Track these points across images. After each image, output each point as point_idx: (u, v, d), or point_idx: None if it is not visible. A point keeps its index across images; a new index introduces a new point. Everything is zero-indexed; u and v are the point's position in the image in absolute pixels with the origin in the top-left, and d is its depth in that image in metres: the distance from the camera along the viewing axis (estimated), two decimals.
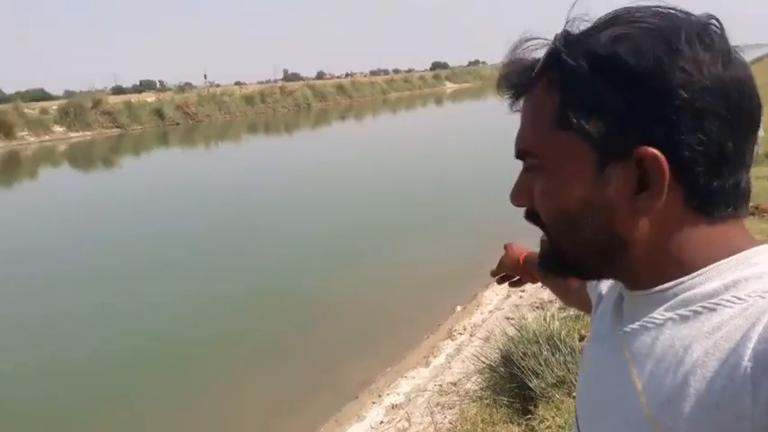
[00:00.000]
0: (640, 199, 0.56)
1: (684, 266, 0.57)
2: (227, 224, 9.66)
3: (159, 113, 28.28)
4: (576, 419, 0.69)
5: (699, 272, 0.56)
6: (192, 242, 8.73)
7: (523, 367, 3.13)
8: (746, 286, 0.54)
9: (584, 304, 0.88)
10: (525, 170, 0.63)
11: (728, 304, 0.53)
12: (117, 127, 26.07)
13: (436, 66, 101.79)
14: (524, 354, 3.18)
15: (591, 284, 0.82)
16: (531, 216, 0.64)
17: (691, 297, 0.56)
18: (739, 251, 0.56)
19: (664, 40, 0.54)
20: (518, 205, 0.64)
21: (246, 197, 11.78)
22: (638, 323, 0.59)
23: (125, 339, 5.49)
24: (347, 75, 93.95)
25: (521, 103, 0.64)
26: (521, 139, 0.63)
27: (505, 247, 1.20)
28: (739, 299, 0.53)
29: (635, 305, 0.61)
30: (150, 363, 5.03)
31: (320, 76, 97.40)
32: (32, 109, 25.44)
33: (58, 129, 24.41)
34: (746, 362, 0.49)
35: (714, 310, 0.54)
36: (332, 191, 11.78)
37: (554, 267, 0.65)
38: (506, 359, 3.37)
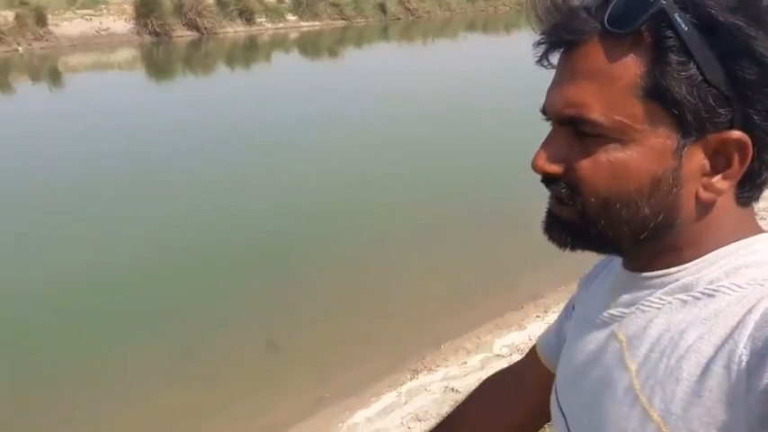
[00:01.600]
0: (712, 181, 0.54)
1: (699, 251, 0.56)
2: (434, 124, 9.83)
3: (382, 8, 28.78)
4: (557, 397, 0.68)
5: (701, 258, 0.56)
6: (396, 137, 9.07)
7: None
8: (746, 273, 0.53)
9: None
10: (568, 134, 0.56)
11: (727, 291, 0.53)
12: (343, 19, 27.15)
13: None
14: None
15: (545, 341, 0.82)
16: (559, 186, 0.57)
17: (690, 282, 0.55)
18: (744, 236, 0.56)
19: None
20: (547, 172, 0.57)
21: (455, 96, 11.79)
22: (633, 307, 0.59)
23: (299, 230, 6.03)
24: None
25: (557, 55, 0.56)
26: (576, 103, 0.54)
27: None
28: (738, 286, 0.52)
29: (632, 286, 0.60)
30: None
31: None
32: None
33: (291, 17, 26.17)
34: (742, 348, 0.49)
35: (712, 296, 0.53)
36: None
37: (579, 242, 0.60)
38: None
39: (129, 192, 6.87)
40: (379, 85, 13.36)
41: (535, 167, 0.57)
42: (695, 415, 0.50)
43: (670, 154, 0.53)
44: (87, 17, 21.08)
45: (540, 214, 0.62)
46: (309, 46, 22.28)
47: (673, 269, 0.57)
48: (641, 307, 0.58)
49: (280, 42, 23.05)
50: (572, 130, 0.55)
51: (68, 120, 10.67)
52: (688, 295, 0.55)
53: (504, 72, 13.53)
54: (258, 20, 24.76)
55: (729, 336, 0.50)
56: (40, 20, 19.49)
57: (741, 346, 0.49)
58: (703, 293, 0.54)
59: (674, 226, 0.56)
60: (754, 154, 0.53)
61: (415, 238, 5.54)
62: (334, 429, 3.26)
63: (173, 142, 9.05)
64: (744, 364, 0.48)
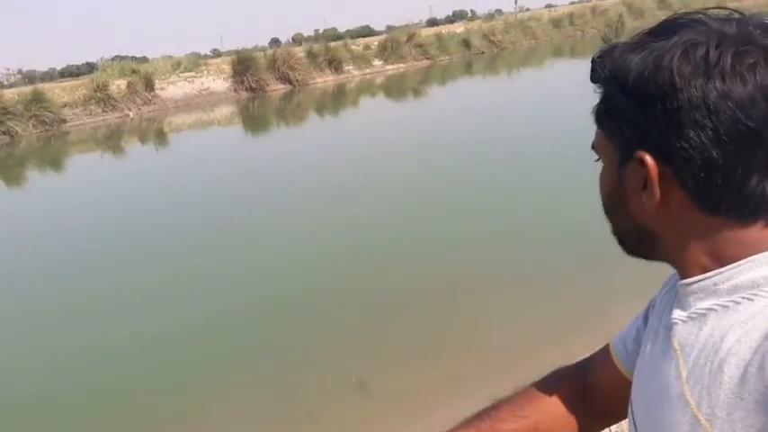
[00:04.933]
0: (643, 196, 0.62)
1: (717, 259, 0.60)
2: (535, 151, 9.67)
3: (466, 43, 29.09)
4: (632, 411, 0.71)
5: (736, 264, 0.58)
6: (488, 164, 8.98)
7: None
8: None
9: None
10: None
11: (765, 294, 0.55)
12: (427, 58, 27.66)
13: None
14: None
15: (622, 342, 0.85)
16: None
17: (731, 287, 0.58)
18: None
19: (669, 59, 0.58)
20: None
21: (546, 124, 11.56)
22: (684, 314, 0.62)
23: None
24: None
25: None
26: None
27: None
28: None
29: (683, 295, 0.64)
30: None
31: None
32: (357, 45, 28.44)
33: (377, 62, 26.97)
34: None
35: (752, 300, 0.56)
36: None
37: (624, 249, 0.72)
38: None
39: (224, 237, 7.19)
40: (470, 118, 13.34)
41: None
42: (738, 418, 0.52)
43: (615, 173, 0.66)
44: (189, 79, 22.74)
45: None
46: (393, 88, 22.75)
47: (706, 275, 0.61)
48: (691, 315, 0.62)
49: (366, 87, 23.71)
50: None
51: (170, 177, 11.42)
52: (730, 301, 0.58)
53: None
54: (346, 68, 25.70)
55: (764, 338, 0.52)
56: (149, 85, 21.25)
57: None
58: (744, 298, 0.57)
59: (653, 235, 0.65)
60: (677, 170, 0.59)
61: (505, 273, 5.39)
62: None
63: (268, 191, 9.43)
64: None
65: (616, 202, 0.67)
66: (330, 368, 4.32)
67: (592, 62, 0.66)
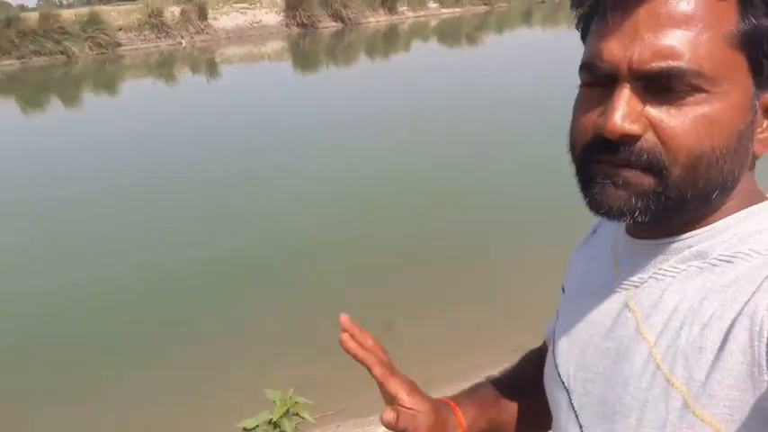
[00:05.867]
0: (763, 133, 0.53)
1: (716, 217, 0.54)
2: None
3: None
4: (557, 372, 0.64)
5: (710, 226, 0.54)
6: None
7: None
8: (761, 239, 0.52)
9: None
10: (641, 90, 0.50)
11: (746, 258, 0.51)
12: (484, 3, 26.87)
13: None
14: None
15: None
16: (635, 148, 0.50)
17: (705, 249, 0.54)
18: (752, 203, 0.54)
19: None
20: (627, 133, 0.50)
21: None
22: (646, 276, 0.56)
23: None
24: None
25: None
26: (671, 53, 0.49)
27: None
28: (758, 252, 0.51)
29: (639, 254, 0.58)
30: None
31: None
32: None
33: (432, 5, 26.35)
34: (763, 311, 0.47)
35: (731, 262, 0.52)
36: None
37: (651, 211, 0.52)
38: None
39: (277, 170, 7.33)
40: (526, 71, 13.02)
41: (612, 129, 0.50)
42: (716, 379, 0.48)
43: (749, 107, 0.51)
44: (242, 10, 22.66)
45: None
46: (447, 34, 22.23)
47: (684, 235, 0.54)
48: (655, 276, 0.55)
49: (419, 30, 23.24)
50: (644, 85, 0.50)
51: (222, 110, 11.58)
52: (704, 262, 0.53)
53: None
54: (400, 8, 25.19)
55: (751, 300, 0.48)
56: (202, 14, 21.28)
57: (762, 309, 0.47)
58: (720, 260, 0.52)
59: (733, 187, 0.53)
60: None
61: (534, 230, 5.38)
62: None
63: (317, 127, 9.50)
64: (766, 326, 0.46)
65: (740, 145, 0.51)
66: (363, 309, 4.45)
67: None
